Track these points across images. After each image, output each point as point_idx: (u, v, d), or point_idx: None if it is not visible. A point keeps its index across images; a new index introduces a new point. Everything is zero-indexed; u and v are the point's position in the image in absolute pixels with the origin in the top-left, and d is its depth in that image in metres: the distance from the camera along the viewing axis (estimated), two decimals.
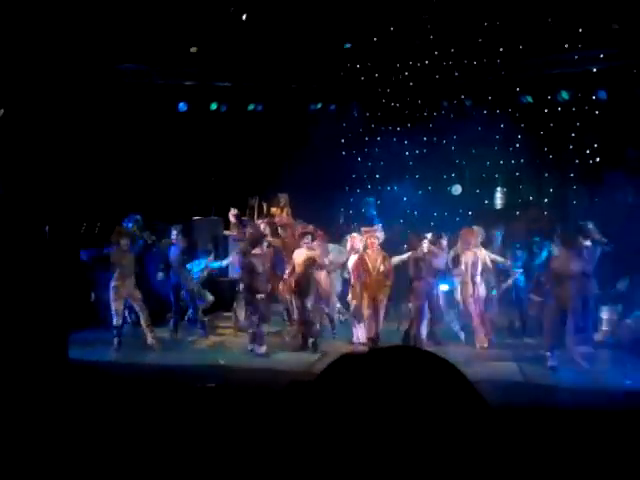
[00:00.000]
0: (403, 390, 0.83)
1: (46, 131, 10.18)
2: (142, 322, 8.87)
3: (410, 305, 8.73)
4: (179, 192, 12.69)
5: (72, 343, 8.01)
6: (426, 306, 8.59)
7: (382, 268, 8.54)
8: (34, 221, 9.01)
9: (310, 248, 8.74)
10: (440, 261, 8.91)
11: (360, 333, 8.91)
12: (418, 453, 0.79)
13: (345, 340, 9.11)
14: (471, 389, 0.87)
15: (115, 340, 8.64)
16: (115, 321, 8.75)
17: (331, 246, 9.95)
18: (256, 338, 8.44)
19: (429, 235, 8.95)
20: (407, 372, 0.85)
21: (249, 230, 9.56)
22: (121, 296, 8.80)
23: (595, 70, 12.31)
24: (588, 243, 8.43)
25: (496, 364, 8.03)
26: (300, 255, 8.71)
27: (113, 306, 8.78)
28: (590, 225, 8.54)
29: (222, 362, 8.02)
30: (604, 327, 9.20)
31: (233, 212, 10.11)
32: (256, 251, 8.65)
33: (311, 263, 8.64)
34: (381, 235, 8.94)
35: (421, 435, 0.80)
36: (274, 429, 0.93)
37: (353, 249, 9.02)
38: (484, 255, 9.10)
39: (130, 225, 9.83)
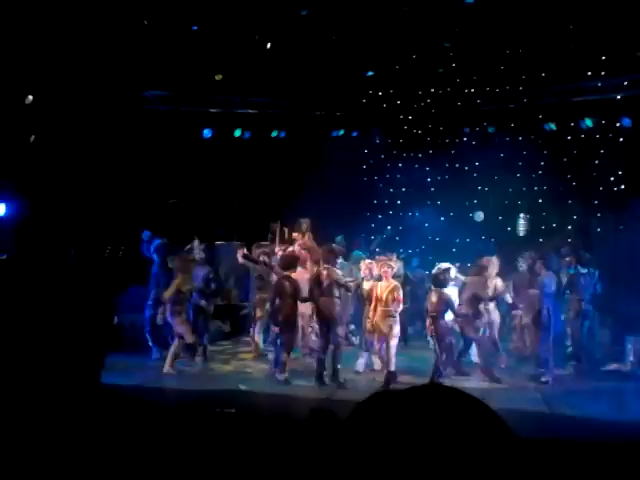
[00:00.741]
0: (435, 432, 0.83)
1: (73, 155, 10.42)
2: (173, 348, 8.86)
3: (436, 339, 8.44)
4: (202, 217, 12.83)
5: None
6: (453, 340, 8.51)
7: (390, 298, 8.41)
8: (60, 245, 9.17)
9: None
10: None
11: (361, 361, 8.85)
12: None
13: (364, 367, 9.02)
14: (504, 429, 0.87)
15: (198, 358, 9.05)
16: (190, 339, 8.92)
17: (340, 262, 9.92)
18: (277, 364, 8.37)
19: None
20: (439, 413, 0.86)
21: (282, 251, 9.44)
22: (185, 321, 8.95)
23: (619, 97, 12.27)
24: (584, 270, 9.31)
25: (519, 394, 7.90)
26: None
27: (180, 329, 8.85)
28: (587, 255, 9.50)
29: (242, 387, 8.00)
30: (630, 357, 9.02)
31: (241, 252, 9.98)
32: (289, 272, 8.55)
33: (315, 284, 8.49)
34: (395, 265, 8.86)
35: (451, 473, 0.81)
36: (299, 459, 0.94)
37: (371, 275, 8.93)
38: (494, 283, 9.11)
39: (154, 249, 9.92)
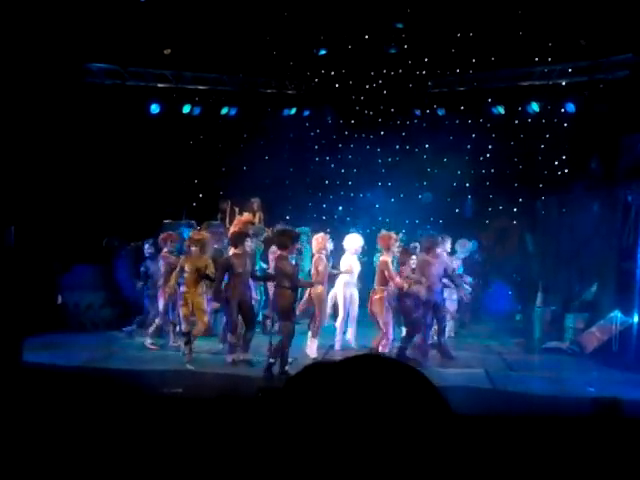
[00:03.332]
0: (368, 398, 0.82)
1: (10, 131, 9.98)
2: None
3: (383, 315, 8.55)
4: (150, 195, 12.54)
5: (36, 346, 7.83)
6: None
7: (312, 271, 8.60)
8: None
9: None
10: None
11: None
12: (381, 461, 0.78)
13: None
14: (436, 396, 0.87)
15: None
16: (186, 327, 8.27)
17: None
18: (230, 347, 8.12)
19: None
20: (373, 380, 0.85)
21: (232, 227, 9.12)
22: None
23: (564, 83, 12.57)
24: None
25: (464, 371, 8.10)
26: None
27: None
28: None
29: (190, 367, 7.90)
30: (570, 335, 9.36)
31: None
32: (237, 250, 8.16)
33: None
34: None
35: (384, 443, 0.79)
36: (243, 437, 0.91)
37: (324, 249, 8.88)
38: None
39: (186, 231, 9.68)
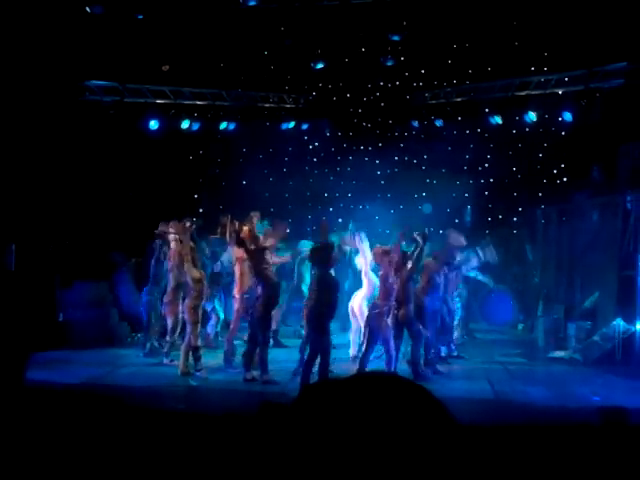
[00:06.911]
0: (372, 414, 0.83)
1: (12, 149, 10.03)
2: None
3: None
4: (150, 210, 12.55)
5: (38, 364, 7.79)
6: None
7: None
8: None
9: None
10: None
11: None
12: (386, 475, 0.79)
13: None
14: (440, 409, 0.87)
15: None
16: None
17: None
18: (261, 363, 7.70)
19: None
20: (381, 398, 0.85)
21: (269, 238, 8.78)
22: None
23: (561, 92, 12.64)
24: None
25: (468, 382, 8.07)
26: None
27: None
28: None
29: (193, 383, 7.87)
30: (573, 344, 9.34)
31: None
32: (275, 260, 8.10)
33: None
34: None
35: (394, 458, 0.80)
36: (248, 453, 0.91)
37: None
38: None
39: None
